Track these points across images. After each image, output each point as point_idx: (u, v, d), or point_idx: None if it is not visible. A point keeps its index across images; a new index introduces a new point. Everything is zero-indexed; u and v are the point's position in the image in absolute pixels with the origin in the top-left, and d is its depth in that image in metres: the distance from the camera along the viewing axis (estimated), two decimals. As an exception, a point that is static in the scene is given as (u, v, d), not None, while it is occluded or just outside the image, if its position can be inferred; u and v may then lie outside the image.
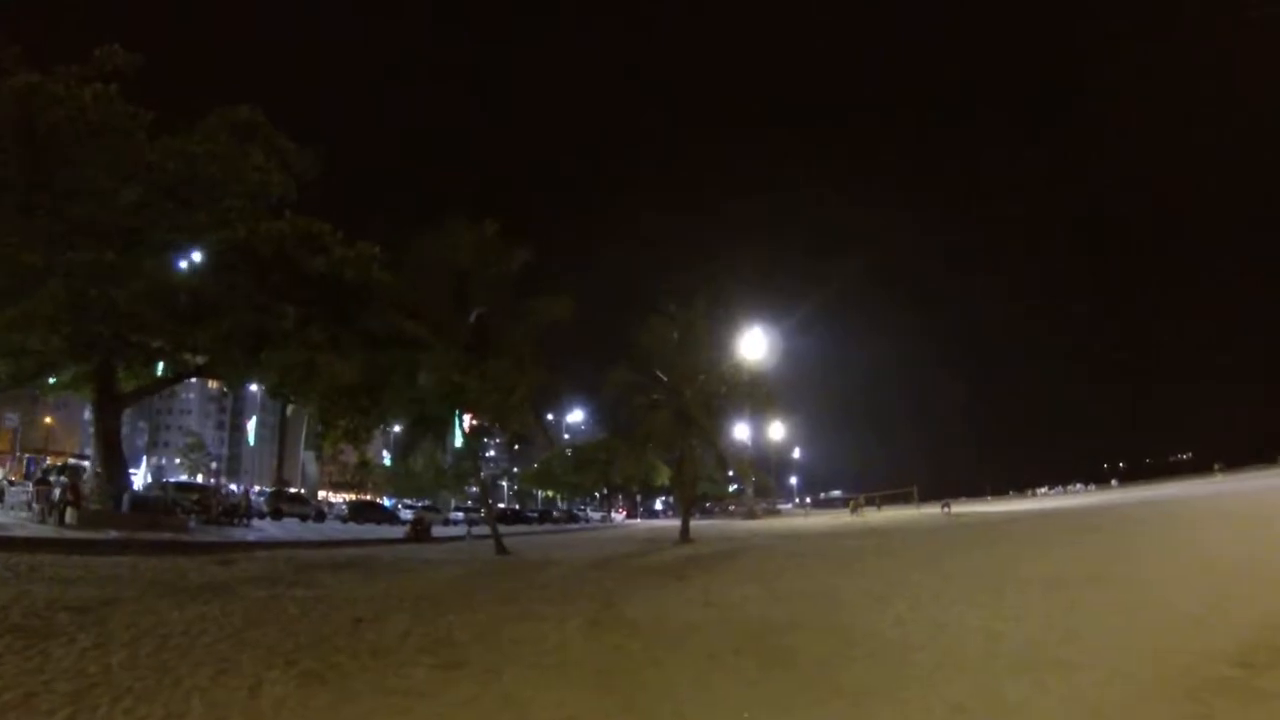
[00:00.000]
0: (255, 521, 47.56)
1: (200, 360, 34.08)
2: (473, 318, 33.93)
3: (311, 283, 30.07)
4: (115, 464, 34.17)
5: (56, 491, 31.78)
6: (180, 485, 59.01)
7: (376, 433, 43.10)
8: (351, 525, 58.81)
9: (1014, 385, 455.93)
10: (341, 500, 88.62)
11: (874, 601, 13.95)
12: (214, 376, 35.69)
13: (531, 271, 36.11)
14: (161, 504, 36.35)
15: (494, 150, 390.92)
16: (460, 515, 75.49)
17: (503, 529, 38.45)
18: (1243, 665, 7.97)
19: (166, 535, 29.94)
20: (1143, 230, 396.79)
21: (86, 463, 46.97)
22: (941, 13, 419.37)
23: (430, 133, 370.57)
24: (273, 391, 36.75)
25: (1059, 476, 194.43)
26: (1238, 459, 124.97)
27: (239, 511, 43.83)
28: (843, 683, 8.54)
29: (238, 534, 36.78)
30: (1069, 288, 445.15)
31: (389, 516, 65.59)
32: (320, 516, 61.97)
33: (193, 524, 36.79)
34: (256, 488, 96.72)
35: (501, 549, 32.86)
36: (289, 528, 46.86)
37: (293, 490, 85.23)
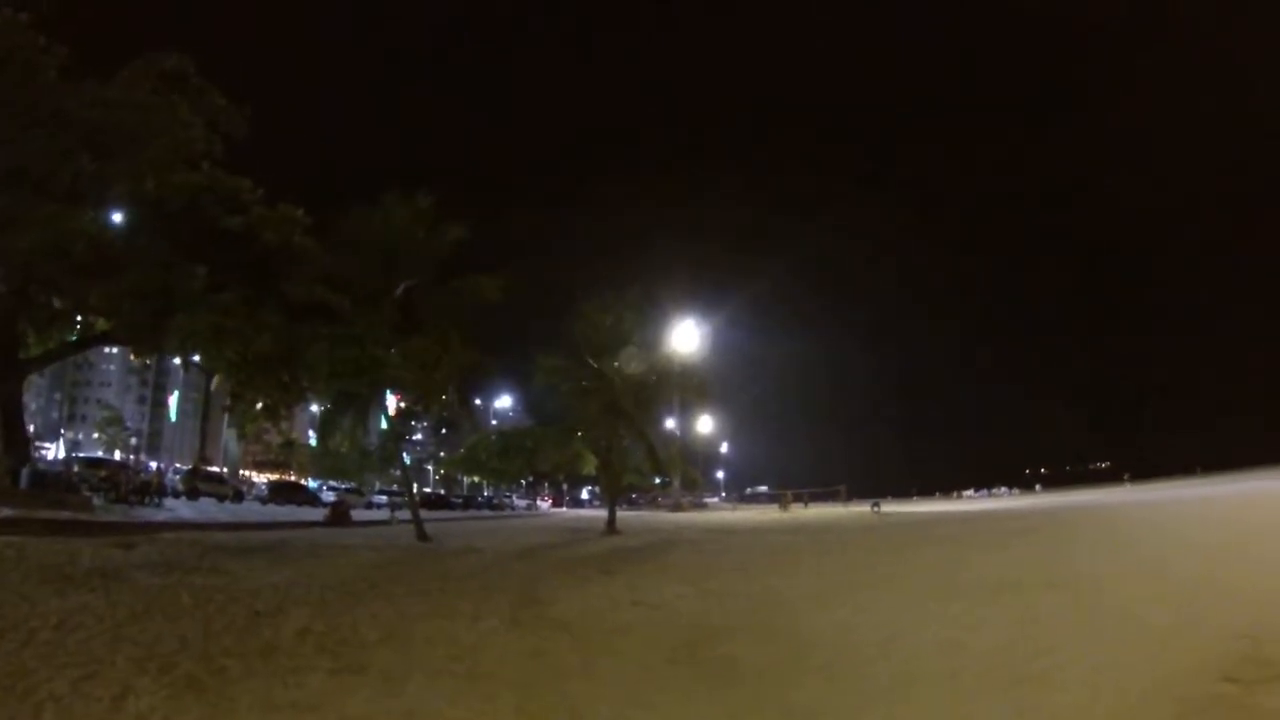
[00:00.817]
0: (168, 501, 45.51)
1: (105, 325, 32.44)
2: (399, 292, 32.61)
3: (226, 243, 28.45)
4: (15, 437, 32.32)
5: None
6: (89, 461, 56.94)
7: (301, 411, 41.66)
8: (271, 507, 57.27)
9: (938, 389, 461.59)
10: (263, 481, 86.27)
11: (816, 605, 13.12)
12: (119, 341, 33.68)
13: (474, 254, 35.11)
14: (64, 480, 34.58)
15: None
16: (384, 499, 73.85)
17: (426, 515, 37.29)
18: (1231, 680, 7.24)
19: (66, 514, 27.90)
20: (1080, 239, 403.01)
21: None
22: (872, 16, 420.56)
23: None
24: (177, 356, 34.88)
25: (983, 480, 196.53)
26: (1150, 470, 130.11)
27: (150, 490, 42.00)
28: (794, 702, 7.61)
29: (146, 514, 34.86)
30: (999, 296, 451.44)
31: (310, 498, 64.01)
32: (239, 497, 60.07)
33: (98, 502, 34.97)
34: (174, 466, 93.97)
35: (423, 535, 31.60)
36: (203, 508, 45.19)
37: (210, 469, 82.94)
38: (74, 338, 35.15)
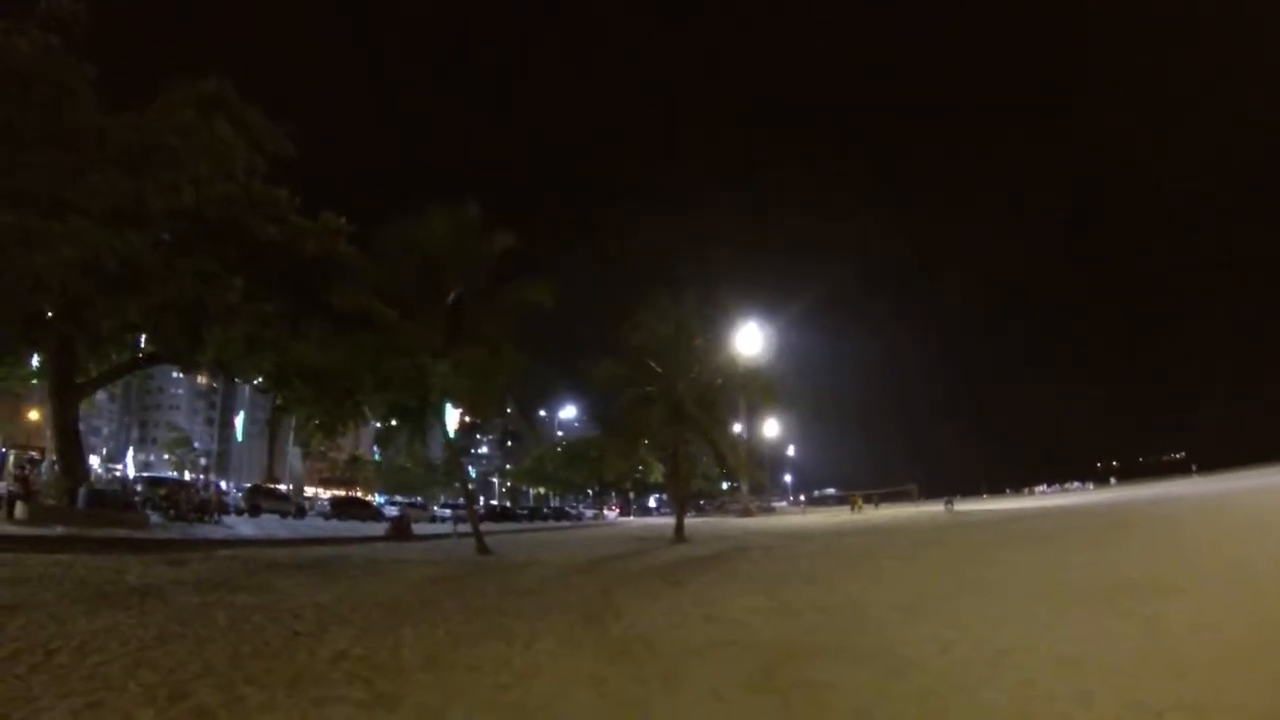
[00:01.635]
0: (229, 518, 45.68)
1: (150, 347, 32.07)
2: (449, 300, 31.77)
3: (265, 254, 27.78)
4: (72, 456, 31.99)
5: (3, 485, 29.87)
6: (151, 480, 56.97)
7: (366, 428, 40.99)
8: (334, 522, 57.46)
9: (1002, 387, 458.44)
10: (325, 496, 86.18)
11: (907, 616, 11.79)
12: (167, 360, 33.22)
13: (521, 262, 34.25)
14: (121, 499, 34.14)
15: (493, 146, 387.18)
16: (448, 512, 73.44)
17: (491, 527, 36.55)
18: None
19: (122, 532, 27.66)
20: (1138, 233, 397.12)
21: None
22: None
23: (429, 123, 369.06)
24: (218, 368, 34.26)
25: (1053, 475, 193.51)
26: (1225, 460, 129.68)
27: (209, 508, 41.65)
28: (904, 743, 6.34)
29: (204, 531, 34.63)
30: (1063, 290, 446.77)
31: (374, 513, 63.86)
32: (301, 513, 60.11)
33: (156, 520, 34.84)
34: (234, 484, 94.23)
35: (483, 549, 30.74)
36: (264, 525, 44.93)
37: (273, 486, 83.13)
38: (124, 358, 34.67)
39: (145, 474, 79.25)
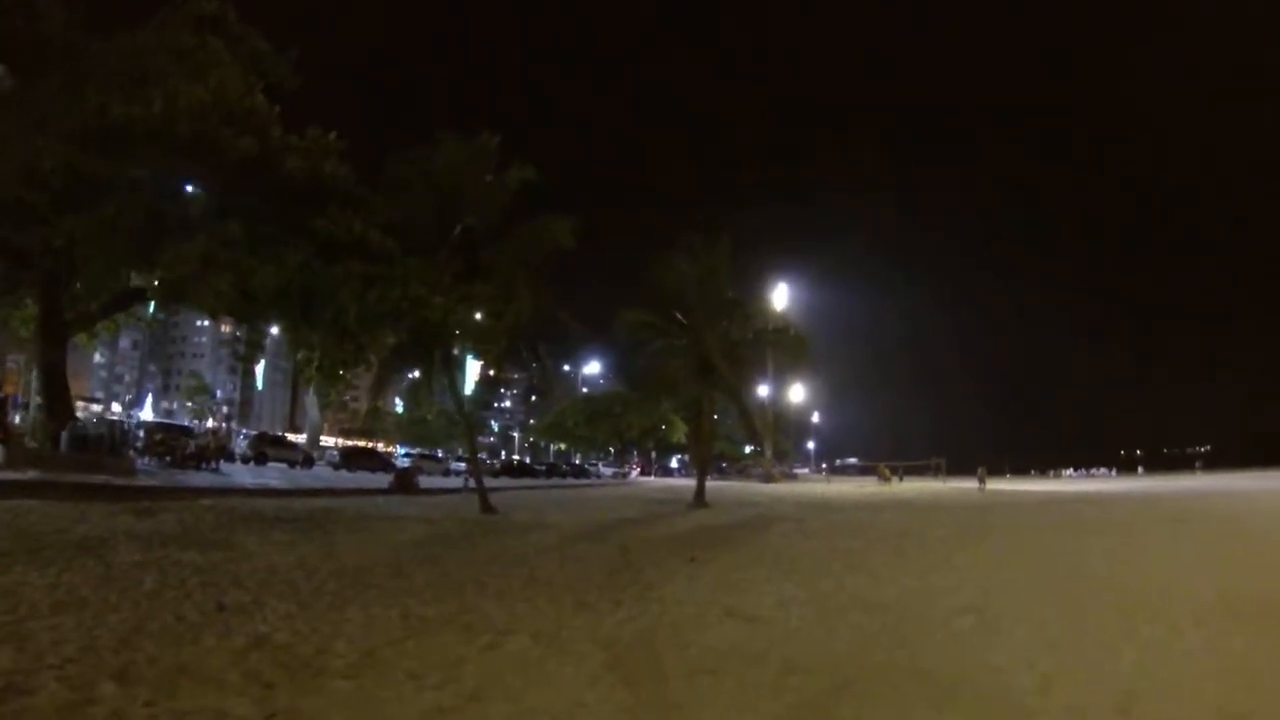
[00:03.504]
0: (230, 465, 44.21)
1: (140, 280, 29.99)
2: (456, 233, 29.41)
3: (237, 169, 25.28)
4: (57, 398, 30.34)
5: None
6: (158, 425, 55.38)
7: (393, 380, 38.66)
8: (342, 473, 55.40)
9: (1028, 366, 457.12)
10: (335, 446, 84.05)
11: (979, 625, 9.36)
12: (156, 298, 31.16)
13: (544, 204, 31.81)
14: (107, 443, 32.20)
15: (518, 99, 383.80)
16: (464, 466, 71.60)
17: (506, 483, 34.56)
18: None
19: (101, 478, 25.71)
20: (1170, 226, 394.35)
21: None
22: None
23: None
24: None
25: (1076, 460, 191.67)
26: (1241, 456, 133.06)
27: (206, 454, 39.68)
28: None
29: (197, 479, 32.64)
30: (1086, 282, 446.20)
31: (384, 464, 61.80)
32: (309, 463, 57.95)
33: (145, 464, 33.76)
34: (244, 432, 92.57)
35: (487, 507, 28.48)
36: (265, 474, 42.89)
37: (282, 434, 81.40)
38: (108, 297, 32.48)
39: (150, 419, 77.57)
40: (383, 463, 62.78)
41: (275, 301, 26.31)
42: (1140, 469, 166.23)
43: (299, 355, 32.22)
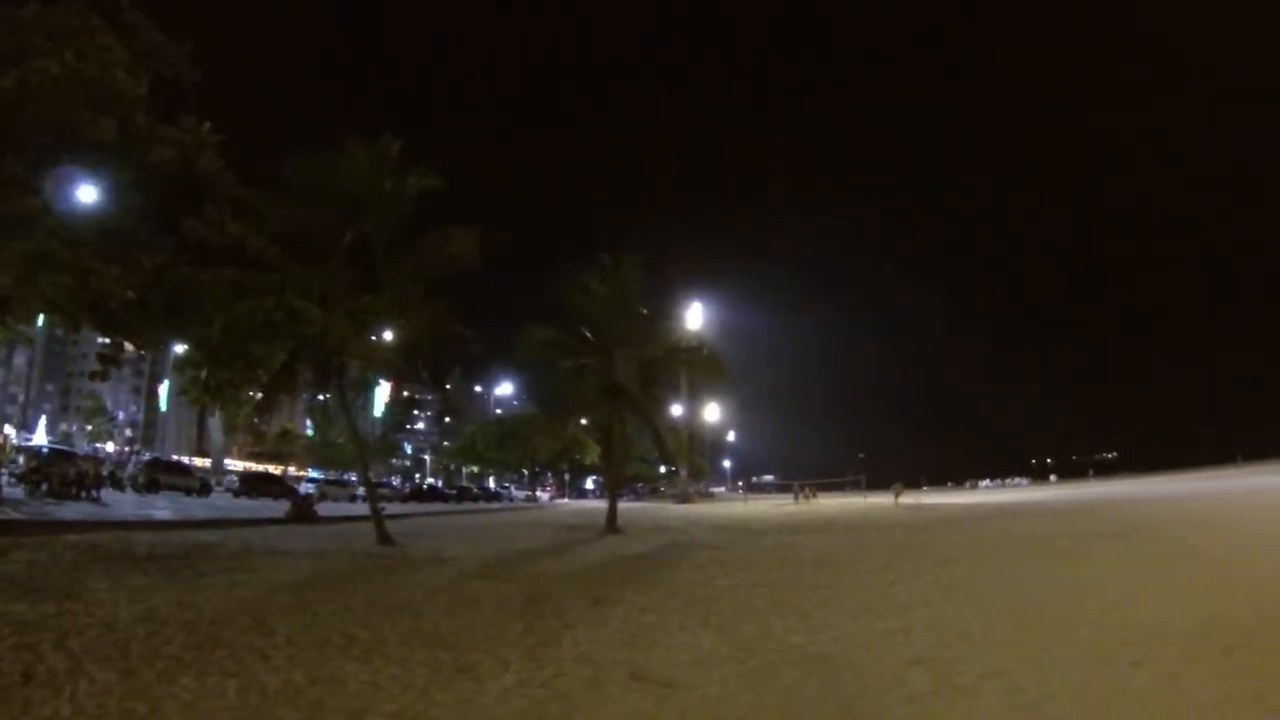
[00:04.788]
0: (115, 495, 42.20)
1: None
2: (347, 239, 27.47)
3: (93, 156, 22.88)
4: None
5: None
6: (37, 450, 52.45)
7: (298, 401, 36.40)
8: (242, 500, 53.17)
9: (937, 381, 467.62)
10: (236, 472, 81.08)
11: (932, 679, 7.86)
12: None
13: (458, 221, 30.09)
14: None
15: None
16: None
17: (415, 508, 32.61)
18: None
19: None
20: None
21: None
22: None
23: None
24: None
25: (990, 470, 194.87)
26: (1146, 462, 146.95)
27: (85, 482, 37.12)
28: None
29: (71, 510, 30.18)
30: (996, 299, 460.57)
31: (285, 491, 58.88)
32: (206, 490, 55.46)
33: (13, 493, 32.16)
34: (135, 456, 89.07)
35: (384, 538, 26.56)
36: (154, 503, 40.54)
37: (176, 459, 78.41)
38: None
39: (37, 444, 73.94)
40: (285, 489, 59.91)
41: (129, 310, 23.84)
42: (1053, 477, 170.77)
43: (185, 374, 29.85)
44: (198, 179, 23.13)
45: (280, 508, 41.19)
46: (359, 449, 34.61)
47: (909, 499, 65.27)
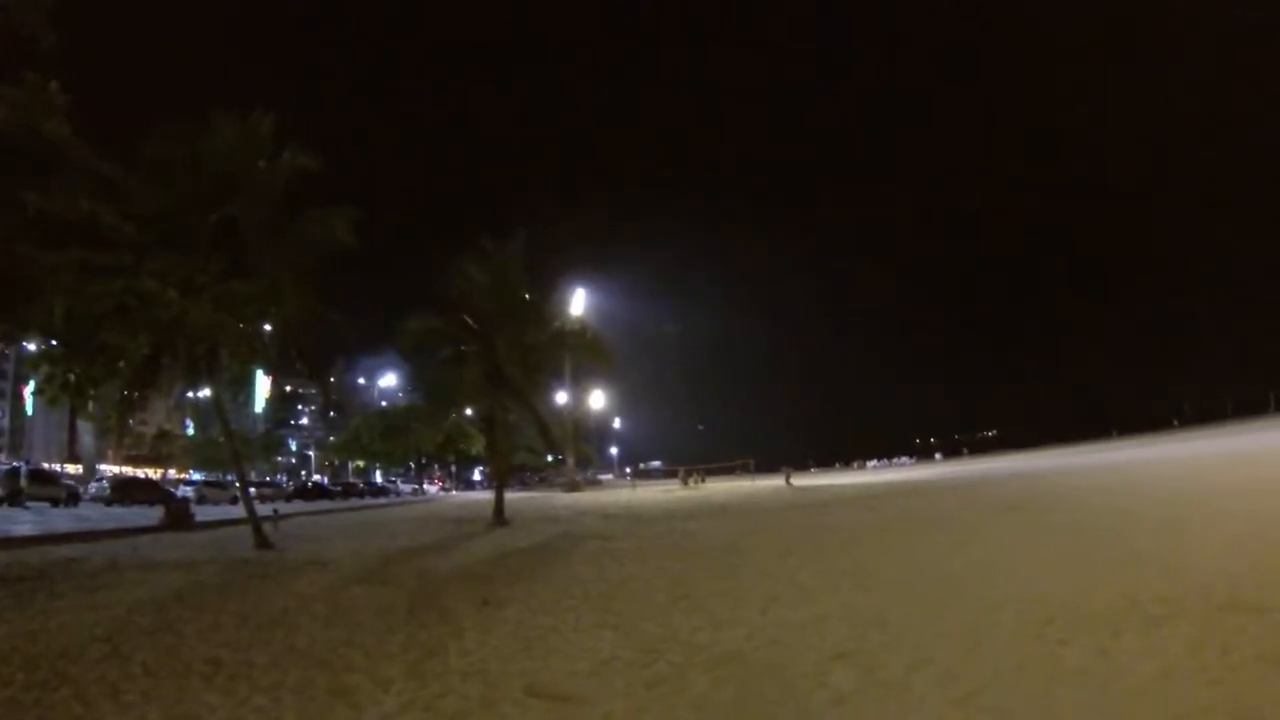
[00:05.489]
0: None
1: None
2: (213, 219, 25.85)
3: None
4: None
5: None
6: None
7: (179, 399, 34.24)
8: (114, 509, 49.80)
9: (815, 366, 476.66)
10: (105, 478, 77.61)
11: (858, 677, 7.22)
12: None
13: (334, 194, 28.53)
14: None
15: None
16: (252, 491, 66.90)
17: (300, 506, 31.22)
18: None
19: None
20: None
21: None
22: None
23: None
24: None
25: (876, 451, 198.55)
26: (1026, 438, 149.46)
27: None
28: None
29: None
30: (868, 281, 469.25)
31: (162, 496, 55.91)
32: (74, 499, 52.32)
33: None
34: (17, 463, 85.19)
35: (262, 542, 25.25)
36: (14, 517, 38.06)
37: (40, 467, 74.71)
38: None
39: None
40: (161, 494, 56.87)
41: None
42: (938, 455, 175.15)
43: (40, 370, 27.58)
44: (42, 146, 21.14)
45: (155, 514, 39.28)
46: (231, 448, 32.98)
47: (800, 480, 65.56)
